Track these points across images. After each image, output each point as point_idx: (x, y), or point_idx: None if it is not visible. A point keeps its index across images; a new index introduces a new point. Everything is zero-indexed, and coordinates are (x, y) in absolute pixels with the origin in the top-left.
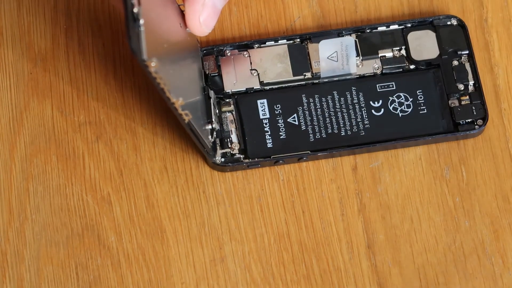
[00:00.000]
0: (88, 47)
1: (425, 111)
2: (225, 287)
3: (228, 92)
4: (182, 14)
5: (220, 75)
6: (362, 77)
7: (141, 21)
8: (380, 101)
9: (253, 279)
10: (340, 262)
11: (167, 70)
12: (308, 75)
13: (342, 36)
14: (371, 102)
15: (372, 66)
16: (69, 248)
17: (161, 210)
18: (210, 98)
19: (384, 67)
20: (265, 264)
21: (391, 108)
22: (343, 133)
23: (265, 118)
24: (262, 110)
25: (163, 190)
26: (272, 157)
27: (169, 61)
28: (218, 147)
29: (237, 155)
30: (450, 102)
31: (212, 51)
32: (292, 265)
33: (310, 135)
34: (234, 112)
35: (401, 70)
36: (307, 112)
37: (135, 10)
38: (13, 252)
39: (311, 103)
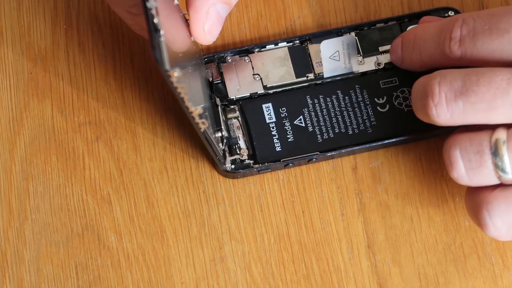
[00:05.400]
0: (88, 47)
1: None
2: (225, 287)
3: (233, 99)
4: (187, 23)
5: (223, 82)
6: (364, 75)
7: (162, 32)
8: (385, 97)
9: (253, 279)
10: (340, 262)
11: (185, 79)
12: (311, 76)
13: (341, 35)
14: (375, 99)
15: (374, 63)
16: (69, 248)
17: (161, 210)
18: (217, 105)
19: (385, 62)
20: (265, 264)
21: (395, 103)
22: (350, 132)
23: (272, 122)
24: (268, 114)
25: (163, 190)
26: (282, 160)
27: (185, 70)
28: (227, 154)
29: (247, 161)
30: None
31: (213, 58)
32: (292, 265)
33: (318, 135)
34: (240, 118)
35: None
36: (313, 113)
37: (155, 20)
38: (13, 252)
39: (316, 104)
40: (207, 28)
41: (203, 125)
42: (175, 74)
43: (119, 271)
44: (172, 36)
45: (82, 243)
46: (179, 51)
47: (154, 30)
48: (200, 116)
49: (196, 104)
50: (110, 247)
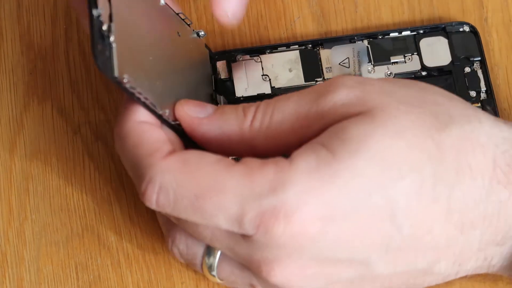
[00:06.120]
0: (88, 47)
1: None
2: (225, 287)
3: (240, 98)
4: (181, 22)
5: (231, 81)
6: None
7: (112, 38)
8: None
9: None
10: None
11: (151, 83)
12: (320, 81)
13: (354, 42)
14: None
15: (384, 72)
16: (69, 248)
17: None
18: (218, 104)
19: (396, 73)
20: None
21: None
22: None
23: None
24: None
25: None
26: None
27: (156, 73)
28: None
29: None
30: None
31: (224, 56)
32: None
33: None
34: None
35: (413, 76)
36: None
37: (104, 27)
38: (13, 252)
39: None
40: (231, 11)
41: (180, 126)
42: (125, 80)
43: (119, 271)
44: (140, 41)
45: (82, 243)
46: (151, 55)
47: (100, 37)
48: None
49: (172, 105)
50: (110, 247)
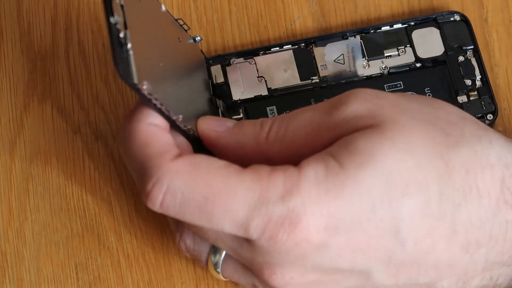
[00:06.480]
0: (88, 47)
1: None
2: (224, 287)
3: (237, 101)
4: (180, 28)
5: (227, 84)
6: (369, 78)
7: (129, 45)
8: None
9: None
10: None
11: (164, 89)
12: (316, 79)
13: (347, 38)
14: None
15: (379, 67)
16: (69, 248)
17: None
18: (218, 108)
19: (390, 66)
20: None
21: None
22: None
23: None
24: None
25: None
26: None
27: (166, 79)
28: None
29: None
30: (458, 98)
31: (218, 60)
32: None
33: None
34: None
35: (408, 68)
36: None
37: (121, 34)
38: (13, 252)
39: None
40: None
41: (190, 132)
42: (144, 87)
43: (119, 271)
44: (151, 47)
45: (82, 243)
46: (161, 61)
47: (119, 44)
48: (186, 123)
49: (182, 111)
50: (110, 247)
